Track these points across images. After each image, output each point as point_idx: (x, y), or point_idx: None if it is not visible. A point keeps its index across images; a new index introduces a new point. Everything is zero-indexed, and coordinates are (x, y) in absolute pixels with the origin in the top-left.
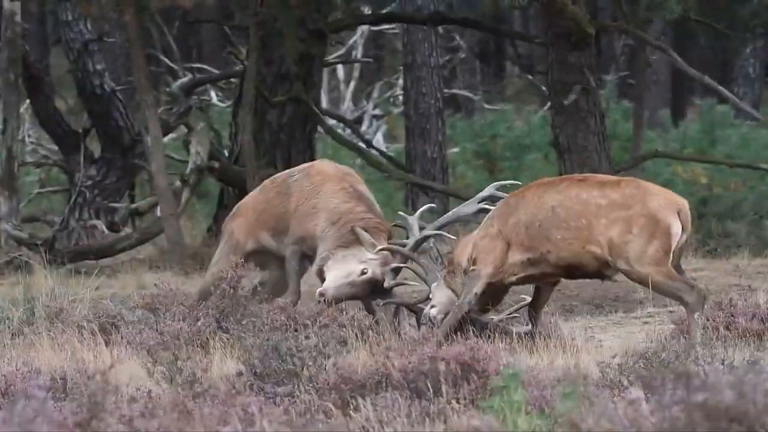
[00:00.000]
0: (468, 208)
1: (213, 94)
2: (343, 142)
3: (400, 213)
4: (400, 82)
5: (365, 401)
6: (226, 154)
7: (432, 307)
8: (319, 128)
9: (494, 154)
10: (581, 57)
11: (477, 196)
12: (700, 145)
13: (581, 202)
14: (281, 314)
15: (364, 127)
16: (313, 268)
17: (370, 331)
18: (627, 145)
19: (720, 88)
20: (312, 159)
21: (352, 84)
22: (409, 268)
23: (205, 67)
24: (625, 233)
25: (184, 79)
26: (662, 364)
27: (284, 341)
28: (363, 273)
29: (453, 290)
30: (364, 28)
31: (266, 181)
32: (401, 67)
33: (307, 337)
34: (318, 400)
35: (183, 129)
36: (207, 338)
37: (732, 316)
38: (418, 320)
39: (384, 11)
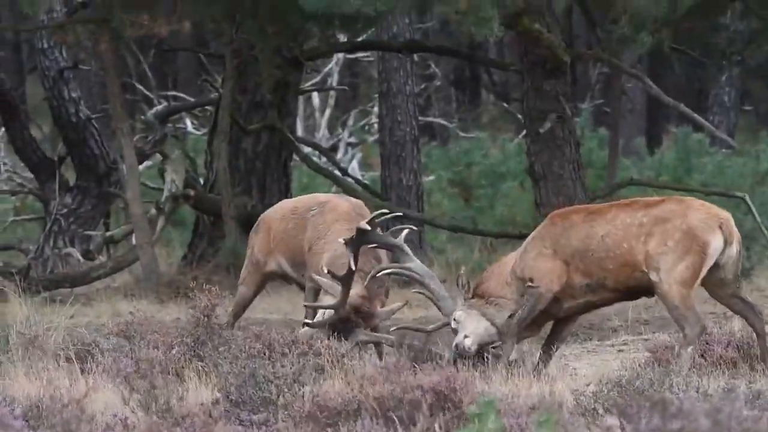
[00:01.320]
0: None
1: (188, 122)
2: (318, 170)
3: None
4: (376, 109)
5: (341, 430)
6: (202, 182)
7: (466, 337)
8: (295, 156)
9: (469, 182)
10: (556, 85)
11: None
12: (675, 173)
13: (625, 226)
14: (257, 341)
15: (339, 155)
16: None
17: (346, 359)
18: (602, 173)
19: (695, 116)
20: (288, 187)
21: (328, 112)
22: (421, 293)
23: (180, 95)
24: (660, 245)
25: (160, 107)
26: (637, 392)
27: (260, 369)
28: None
29: (492, 322)
30: (340, 55)
31: (287, 208)
32: (376, 95)
33: (282, 366)
34: (294, 428)
35: (158, 157)
36: (182, 366)
37: (707, 343)
38: (379, 353)
39: (359, 39)
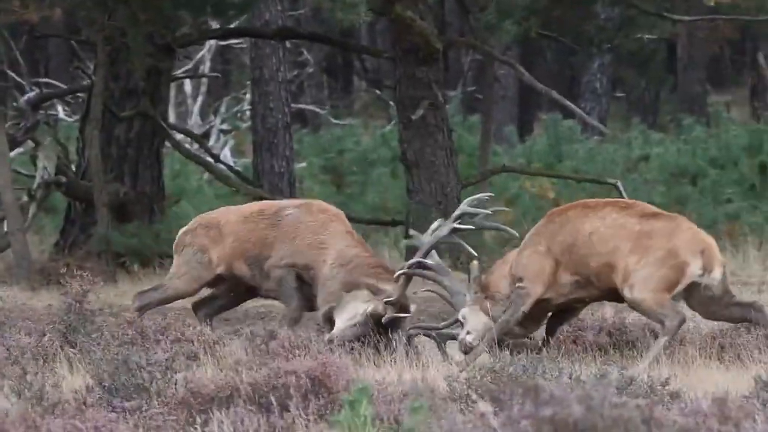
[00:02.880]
0: (444, 229)
1: (60, 108)
2: (190, 157)
3: (412, 232)
4: (248, 96)
5: (214, 416)
6: (74, 168)
7: (468, 333)
8: (167, 143)
9: (341, 168)
10: (429, 72)
11: (452, 216)
12: (547, 160)
13: (615, 226)
14: (129, 328)
15: (211, 142)
16: (320, 311)
17: (218, 346)
18: (474, 160)
19: (567, 102)
20: (160, 173)
21: (200, 99)
22: (433, 291)
23: (52, 81)
24: (639, 260)
25: (31, 94)
26: (510, 379)
27: (133, 355)
28: (365, 311)
29: (490, 316)
30: (212, 42)
31: (252, 211)
32: (249, 82)
33: (155, 353)
34: (167, 414)
35: (30, 144)
36: (54, 353)
37: (579, 330)
38: (439, 346)
39: (232, 26)
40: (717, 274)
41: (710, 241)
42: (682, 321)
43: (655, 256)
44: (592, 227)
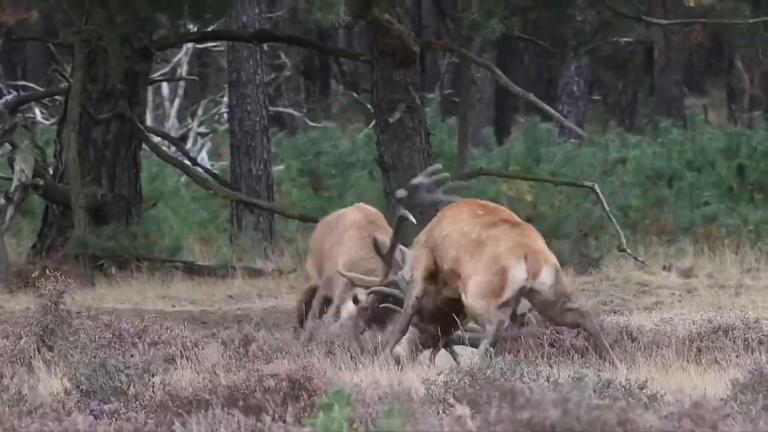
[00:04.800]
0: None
1: (38, 111)
2: (168, 160)
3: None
4: (225, 99)
5: (192, 419)
6: (51, 171)
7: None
8: (144, 145)
9: (318, 171)
10: (406, 75)
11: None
12: (524, 163)
13: (461, 233)
14: (107, 331)
15: (189, 145)
16: (331, 310)
17: (196, 349)
18: (452, 163)
19: (544, 105)
20: (137, 176)
21: (177, 101)
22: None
23: (29, 84)
24: (472, 268)
25: (9, 97)
26: (488, 382)
27: (110, 358)
28: (356, 302)
29: None
30: (189, 45)
31: (322, 222)
32: (226, 85)
33: (132, 355)
34: (145, 417)
35: (7, 147)
36: (31, 356)
37: (557, 333)
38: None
39: (209, 29)
40: (545, 278)
41: (537, 246)
42: (502, 324)
43: (483, 263)
44: (448, 230)
